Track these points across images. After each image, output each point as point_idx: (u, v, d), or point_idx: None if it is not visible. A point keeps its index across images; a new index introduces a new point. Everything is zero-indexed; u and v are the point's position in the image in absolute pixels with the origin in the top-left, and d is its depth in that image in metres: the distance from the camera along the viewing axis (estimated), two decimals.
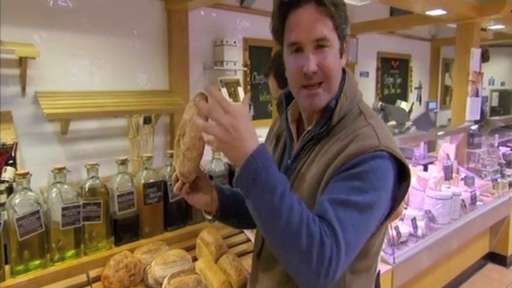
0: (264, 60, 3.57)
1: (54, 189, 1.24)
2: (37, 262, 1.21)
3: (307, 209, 0.71)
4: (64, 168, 1.25)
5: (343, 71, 0.90)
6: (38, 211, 1.18)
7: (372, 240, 0.83)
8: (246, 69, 3.45)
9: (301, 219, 0.68)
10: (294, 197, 0.71)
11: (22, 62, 2.21)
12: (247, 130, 0.71)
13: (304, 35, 0.79)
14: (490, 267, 3.23)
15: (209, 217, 0.98)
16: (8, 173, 1.80)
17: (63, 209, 1.22)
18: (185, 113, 0.87)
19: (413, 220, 2.26)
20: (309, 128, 0.89)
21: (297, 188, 0.86)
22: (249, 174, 0.69)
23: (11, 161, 1.94)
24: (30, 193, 1.18)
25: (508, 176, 3.36)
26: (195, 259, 1.42)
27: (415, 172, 2.80)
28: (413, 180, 2.66)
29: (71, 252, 1.28)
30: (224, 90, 3.18)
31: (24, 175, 1.18)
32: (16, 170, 1.86)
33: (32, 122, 2.39)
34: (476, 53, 3.37)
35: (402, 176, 0.82)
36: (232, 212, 0.99)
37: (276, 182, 0.70)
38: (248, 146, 0.70)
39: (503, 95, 7.14)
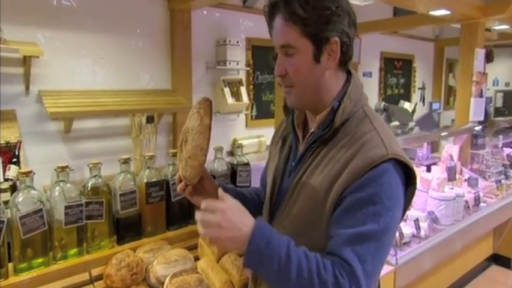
0: (266, 60, 3.57)
1: (57, 188, 1.24)
2: (40, 260, 1.21)
3: (316, 258, 0.73)
4: (67, 166, 1.26)
5: (349, 72, 0.90)
6: (41, 209, 1.18)
7: None
8: (248, 68, 3.45)
9: (310, 274, 0.70)
10: (300, 253, 0.73)
11: (26, 61, 2.22)
12: (238, 217, 0.74)
13: (275, 42, 0.85)
14: (494, 269, 3.21)
15: None
16: (12, 171, 1.80)
17: (66, 207, 1.23)
18: (188, 119, 0.87)
19: (416, 221, 2.24)
20: (313, 130, 0.89)
21: (299, 192, 0.86)
22: (254, 258, 0.72)
23: (14, 160, 1.95)
24: (33, 191, 1.19)
25: None
26: (197, 258, 1.42)
27: (418, 173, 2.78)
28: None
29: (73, 251, 1.28)
30: (227, 90, 3.18)
31: (28, 173, 1.18)
32: (20, 168, 1.87)
33: (35, 121, 2.40)
34: (480, 53, 3.34)
35: (408, 180, 0.82)
36: None
37: (279, 250, 0.71)
38: (245, 232, 0.72)
39: (508, 95, 7.10)
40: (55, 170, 1.25)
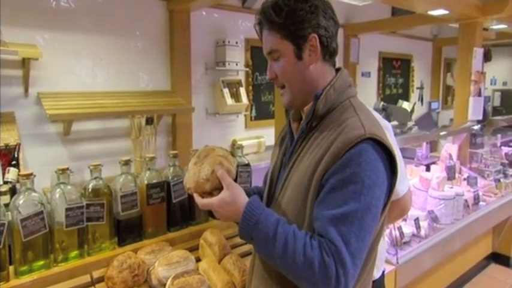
0: (265, 61, 3.56)
1: (58, 190, 1.24)
2: (41, 263, 1.21)
3: (304, 238, 0.78)
4: (67, 168, 1.26)
5: (338, 69, 0.94)
6: (41, 212, 1.18)
7: None
8: (247, 69, 3.45)
9: (294, 253, 0.76)
10: (288, 232, 0.79)
11: (25, 63, 2.21)
12: (228, 210, 0.85)
13: (264, 51, 0.95)
14: (493, 267, 3.22)
15: None
16: (11, 173, 1.80)
17: (67, 209, 1.22)
18: (203, 151, 0.94)
19: (416, 220, 2.25)
20: (302, 121, 0.94)
21: (290, 181, 0.90)
22: (245, 236, 0.84)
23: (14, 162, 1.94)
24: (34, 194, 1.19)
25: (511, 175, 3.35)
26: (198, 260, 1.42)
27: (418, 172, 2.79)
28: (415, 181, 2.66)
29: (74, 253, 1.28)
30: (226, 91, 3.18)
31: (28, 176, 1.18)
32: (19, 171, 1.87)
33: (34, 123, 2.40)
34: (478, 52, 3.36)
35: (391, 162, 0.84)
36: None
37: (266, 230, 0.80)
38: (236, 218, 0.84)
39: (505, 94, 7.13)
40: (55, 172, 1.25)
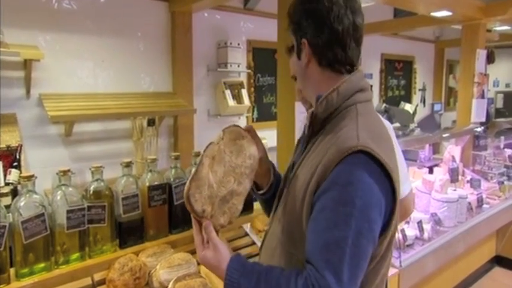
0: (267, 62, 3.56)
1: (59, 192, 1.23)
2: (42, 265, 1.20)
3: (288, 281, 0.72)
4: (69, 170, 1.25)
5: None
6: (42, 214, 1.17)
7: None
8: (249, 71, 3.45)
9: None
10: (271, 284, 0.73)
11: (27, 64, 2.21)
12: (219, 264, 0.80)
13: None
14: (497, 270, 3.20)
15: (261, 191, 1.01)
16: (13, 175, 1.80)
17: (68, 211, 1.21)
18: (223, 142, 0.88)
19: (419, 223, 2.23)
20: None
21: (290, 186, 0.87)
22: None
23: (15, 164, 1.94)
24: (35, 196, 1.18)
25: None
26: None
27: (421, 174, 2.77)
28: (418, 183, 2.64)
29: (75, 255, 1.27)
30: (228, 92, 3.18)
31: (29, 177, 1.17)
32: (20, 172, 1.86)
33: (36, 124, 2.40)
34: (481, 54, 3.34)
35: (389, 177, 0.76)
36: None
37: (252, 284, 0.74)
38: (223, 274, 0.78)
39: (508, 96, 7.08)
40: (57, 174, 1.24)
